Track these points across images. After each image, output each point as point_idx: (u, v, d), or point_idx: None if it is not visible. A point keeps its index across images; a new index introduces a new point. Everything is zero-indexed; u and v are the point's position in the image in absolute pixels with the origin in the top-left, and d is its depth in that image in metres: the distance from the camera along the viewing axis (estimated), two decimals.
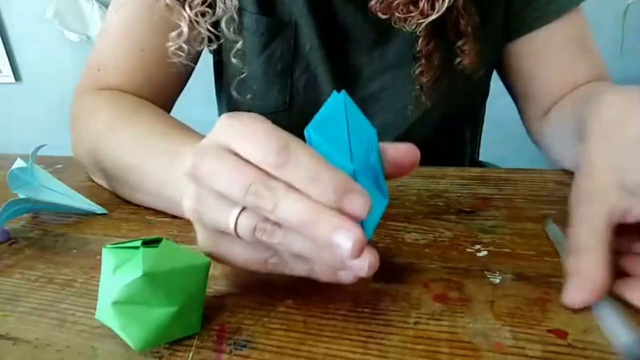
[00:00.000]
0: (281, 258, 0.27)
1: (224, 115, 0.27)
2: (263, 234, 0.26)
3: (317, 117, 0.27)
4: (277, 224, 0.25)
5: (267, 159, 0.25)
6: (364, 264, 0.25)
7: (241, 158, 0.26)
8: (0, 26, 1.96)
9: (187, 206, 0.28)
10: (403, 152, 0.30)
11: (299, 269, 0.27)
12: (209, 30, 0.52)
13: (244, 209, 0.26)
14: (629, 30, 1.36)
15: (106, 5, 1.68)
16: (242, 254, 0.28)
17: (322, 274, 0.27)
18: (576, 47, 0.53)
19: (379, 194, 0.30)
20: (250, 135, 0.26)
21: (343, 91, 0.29)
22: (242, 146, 0.26)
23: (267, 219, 0.25)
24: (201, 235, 0.29)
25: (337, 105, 0.28)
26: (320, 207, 0.24)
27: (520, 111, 0.61)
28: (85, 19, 1.83)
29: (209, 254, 0.30)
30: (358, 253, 0.23)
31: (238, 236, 0.26)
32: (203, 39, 0.53)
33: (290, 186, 0.24)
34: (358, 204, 0.24)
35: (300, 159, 0.25)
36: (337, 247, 0.23)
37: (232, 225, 0.26)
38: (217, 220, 0.27)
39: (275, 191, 0.24)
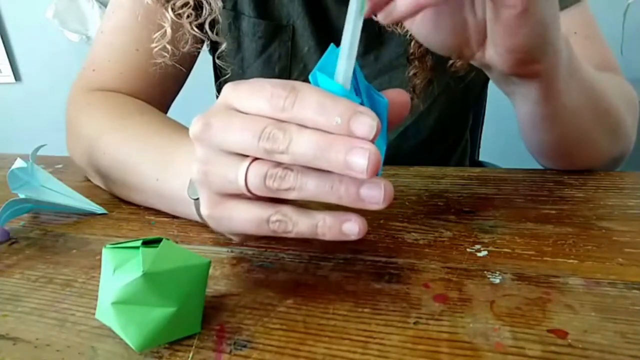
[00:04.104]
0: (284, 214, 0.27)
1: (227, 84, 0.28)
2: (274, 180, 0.26)
3: (321, 62, 0.27)
4: (288, 169, 0.26)
5: (277, 105, 0.25)
6: (379, 192, 0.25)
7: (247, 114, 0.26)
8: (0, 26, 1.96)
9: (195, 169, 0.29)
10: (393, 93, 0.30)
11: (302, 225, 0.27)
12: (195, 32, 0.52)
13: (253, 161, 0.26)
14: (629, 30, 1.36)
15: (106, 5, 1.68)
16: (245, 214, 0.28)
17: (327, 229, 0.27)
18: (572, 41, 0.53)
19: (382, 137, 0.30)
20: (255, 90, 0.26)
21: None
22: (249, 103, 0.27)
23: (278, 165, 0.26)
24: (205, 200, 0.30)
25: (337, 52, 0.28)
26: (332, 135, 0.24)
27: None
28: (85, 19, 1.83)
29: (211, 220, 0.30)
30: (373, 169, 0.24)
31: (247, 190, 0.27)
32: (188, 40, 0.53)
33: (301, 125, 0.25)
34: (365, 123, 0.24)
35: (307, 97, 0.25)
36: (353, 166, 0.24)
37: (242, 178, 0.26)
38: (225, 177, 0.27)
39: (288, 131, 0.25)
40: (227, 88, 0.28)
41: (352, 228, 0.26)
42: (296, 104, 0.25)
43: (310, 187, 0.26)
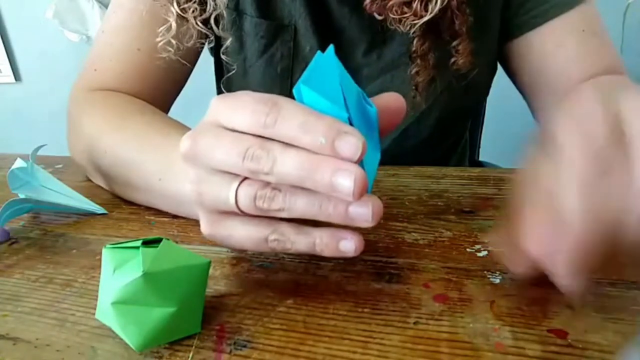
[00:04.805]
0: (282, 234, 0.28)
1: (215, 97, 0.28)
2: (264, 201, 0.26)
3: (306, 72, 0.26)
4: (277, 189, 0.26)
5: (258, 122, 0.25)
6: (367, 211, 0.25)
7: (235, 131, 0.26)
8: (0, 26, 1.96)
9: (189, 189, 0.29)
10: (389, 98, 0.30)
11: (300, 243, 0.28)
12: (199, 27, 0.52)
13: (242, 181, 0.26)
14: (629, 30, 1.36)
15: (106, 6, 1.67)
16: (243, 233, 0.28)
17: (324, 246, 0.27)
18: (582, 38, 0.53)
19: (374, 147, 0.30)
20: (239, 106, 0.26)
21: (331, 46, 0.29)
22: (233, 118, 0.26)
23: (266, 185, 0.26)
24: (204, 219, 0.30)
25: (325, 60, 0.28)
26: (317, 156, 0.24)
27: (532, 108, 0.61)
28: (85, 19, 1.83)
29: (212, 238, 0.30)
30: (359, 191, 0.23)
31: (239, 210, 0.27)
32: (192, 35, 0.53)
33: (285, 144, 0.25)
34: (350, 143, 0.24)
35: (289, 114, 0.25)
36: (339, 189, 0.23)
37: (232, 198, 0.27)
38: (217, 197, 0.27)
39: (272, 151, 0.25)
40: (213, 103, 0.28)
41: (348, 246, 0.27)
42: (278, 121, 0.25)
43: (299, 207, 0.26)
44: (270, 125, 0.25)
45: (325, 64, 0.28)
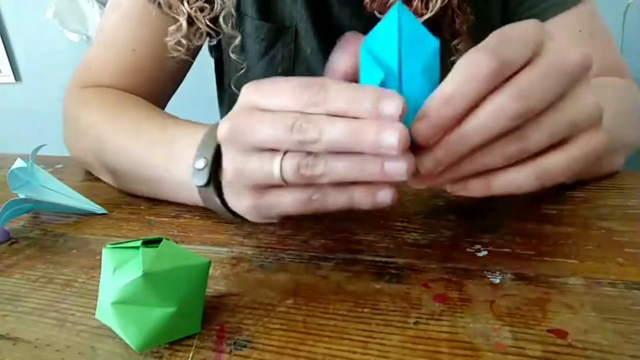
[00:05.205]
0: (324, 193, 0.29)
1: (247, 84, 0.30)
2: (307, 168, 0.27)
3: (370, 34, 0.28)
4: (318, 157, 0.27)
5: (302, 100, 0.27)
6: (403, 165, 0.26)
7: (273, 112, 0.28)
8: (0, 26, 1.96)
9: (228, 169, 0.30)
10: None
11: (340, 200, 0.29)
12: (207, 26, 0.52)
13: (284, 155, 0.28)
14: (629, 30, 1.36)
15: (106, 5, 1.67)
16: (288, 198, 0.30)
17: (362, 198, 0.29)
18: (577, 39, 0.52)
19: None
20: (280, 89, 0.28)
21: (398, 3, 0.29)
22: (272, 101, 0.28)
23: (307, 155, 0.27)
24: (246, 195, 0.31)
25: (391, 21, 0.28)
26: (363, 120, 0.26)
27: None
28: (85, 19, 1.83)
29: (256, 209, 0.32)
30: (404, 145, 0.25)
31: (283, 181, 0.28)
32: (202, 34, 0.53)
33: (330, 115, 0.27)
34: (391, 102, 0.25)
35: (337, 92, 0.27)
36: (385, 144, 0.25)
37: (277, 172, 0.28)
38: (259, 172, 0.29)
39: (318, 122, 0.26)
40: (249, 89, 0.29)
41: (385, 196, 0.28)
42: (327, 98, 0.27)
43: (340, 170, 0.27)
44: (320, 103, 0.27)
45: (390, 24, 0.28)
